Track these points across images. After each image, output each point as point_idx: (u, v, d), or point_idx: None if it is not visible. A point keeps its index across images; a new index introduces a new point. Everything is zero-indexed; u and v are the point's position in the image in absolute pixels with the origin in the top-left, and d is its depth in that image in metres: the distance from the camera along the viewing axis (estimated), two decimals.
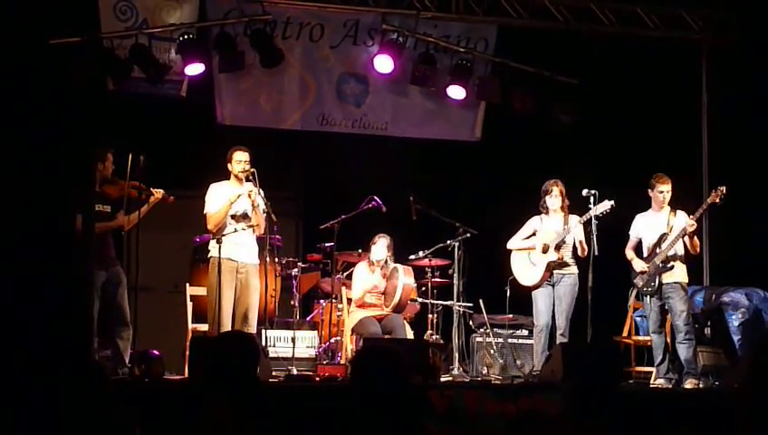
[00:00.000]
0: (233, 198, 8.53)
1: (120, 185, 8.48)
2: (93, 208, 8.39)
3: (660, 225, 9.08)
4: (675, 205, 9.11)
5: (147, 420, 4.38)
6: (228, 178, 8.71)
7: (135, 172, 8.31)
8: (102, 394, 3.94)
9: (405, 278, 9.40)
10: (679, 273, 9.01)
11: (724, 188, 8.91)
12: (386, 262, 9.55)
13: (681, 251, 9.03)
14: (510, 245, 9.42)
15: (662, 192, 9.05)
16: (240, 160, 8.62)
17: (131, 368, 8.11)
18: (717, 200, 8.93)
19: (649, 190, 9.13)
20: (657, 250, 9.00)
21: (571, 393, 5.26)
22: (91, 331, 8.24)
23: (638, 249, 9.24)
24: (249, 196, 8.52)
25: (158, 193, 8.64)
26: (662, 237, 9.01)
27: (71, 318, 7.85)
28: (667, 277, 8.97)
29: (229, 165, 8.67)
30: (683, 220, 9.04)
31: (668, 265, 8.96)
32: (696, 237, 9.02)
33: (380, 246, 9.51)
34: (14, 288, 7.75)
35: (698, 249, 9.13)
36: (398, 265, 9.49)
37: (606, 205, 8.90)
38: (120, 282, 8.58)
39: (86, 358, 6.30)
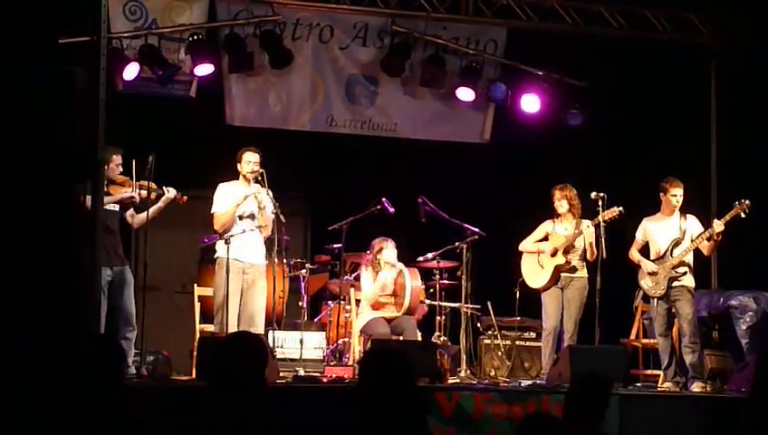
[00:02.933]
0: (240, 199, 8.54)
1: (128, 186, 8.38)
2: (101, 199, 8.22)
3: (673, 229, 9.02)
4: (683, 209, 9.09)
5: (154, 421, 4.40)
6: (237, 178, 8.73)
7: (144, 173, 8.29)
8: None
9: (412, 281, 9.39)
10: (688, 277, 9.00)
11: (748, 202, 8.86)
12: (393, 264, 9.54)
13: (691, 257, 9.00)
14: (521, 247, 9.42)
15: (675, 195, 8.98)
16: (250, 161, 8.63)
17: (138, 368, 8.12)
18: (742, 214, 8.89)
19: (661, 194, 9.06)
20: (670, 255, 8.96)
21: (576, 396, 5.29)
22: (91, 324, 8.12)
23: (643, 253, 9.21)
24: (255, 197, 8.53)
25: (170, 192, 8.57)
26: (675, 242, 8.98)
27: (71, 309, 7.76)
28: (676, 281, 8.95)
29: (239, 165, 8.68)
30: (694, 224, 9.02)
31: (681, 271, 8.94)
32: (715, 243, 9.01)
33: (392, 249, 9.48)
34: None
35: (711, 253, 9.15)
36: (403, 268, 9.49)
37: (614, 211, 8.89)
38: (125, 282, 8.37)
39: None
